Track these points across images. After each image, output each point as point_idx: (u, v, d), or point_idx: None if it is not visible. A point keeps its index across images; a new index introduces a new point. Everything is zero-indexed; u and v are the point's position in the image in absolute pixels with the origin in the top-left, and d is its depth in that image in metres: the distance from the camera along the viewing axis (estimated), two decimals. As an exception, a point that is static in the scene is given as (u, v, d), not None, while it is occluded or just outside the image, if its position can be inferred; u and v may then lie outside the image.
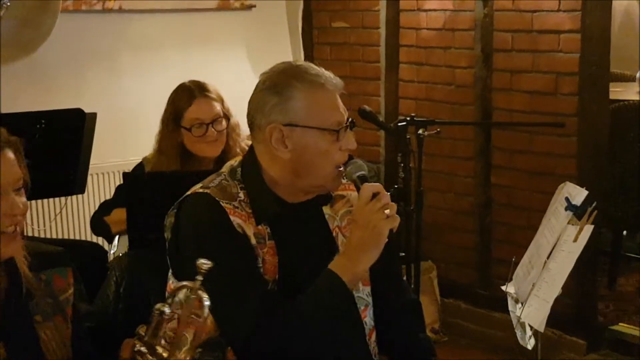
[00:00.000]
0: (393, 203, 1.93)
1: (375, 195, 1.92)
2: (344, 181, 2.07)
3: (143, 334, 1.64)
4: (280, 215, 2.00)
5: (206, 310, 1.64)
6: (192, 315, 1.65)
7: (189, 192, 2.03)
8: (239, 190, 2.00)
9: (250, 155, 2.06)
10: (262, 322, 1.88)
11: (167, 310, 1.63)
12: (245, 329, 1.88)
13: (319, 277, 1.93)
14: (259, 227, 1.98)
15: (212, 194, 1.98)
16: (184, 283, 1.66)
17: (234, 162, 2.10)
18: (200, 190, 2.00)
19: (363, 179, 1.99)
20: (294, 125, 1.96)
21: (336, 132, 1.98)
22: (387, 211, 1.90)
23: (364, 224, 1.91)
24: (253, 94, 2.04)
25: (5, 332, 1.72)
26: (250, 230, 1.96)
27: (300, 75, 1.98)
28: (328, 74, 2.02)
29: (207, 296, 1.64)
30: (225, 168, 2.08)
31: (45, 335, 1.77)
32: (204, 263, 1.64)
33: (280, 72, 2.02)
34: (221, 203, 1.96)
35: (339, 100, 2.02)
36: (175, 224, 2.01)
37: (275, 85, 1.99)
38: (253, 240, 1.96)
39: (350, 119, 2.02)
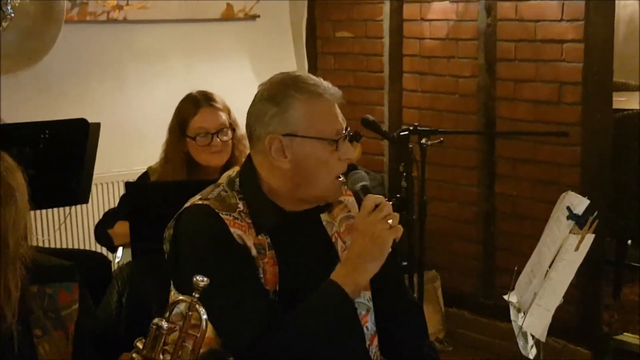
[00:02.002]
0: (395, 213, 1.94)
1: (377, 206, 1.92)
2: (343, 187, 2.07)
3: (141, 347, 1.64)
4: (280, 225, 2.00)
5: (204, 324, 1.65)
6: (190, 330, 1.65)
7: (187, 204, 2.03)
8: (238, 201, 1.99)
9: (248, 165, 2.06)
10: (264, 332, 1.88)
11: (164, 324, 1.63)
12: (246, 340, 1.88)
13: (320, 287, 1.93)
14: (259, 237, 1.97)
15: (212, 206, 1.97)
16: (181, 297, 1.66)
17: (231, 172, 2.09)
18: (199, 202, 2.00)
19: (365, 190, 2.00)
20: (293, 136, 1.96)
21: (335, 141, 1.98)
22: (390, 221, 1.91)
23: (367, 234, 1.91)
24: (252, 105, 2.04)
25: (3, 346, 1.71)
26: (250, 241, 1.96)
27: (298, 86, 1.98)
28: (326, 83, 2.02)
29: (204, 310, 1.65)
30: (223, 179, 2.08)
31: (44, 350, 1.75)
32: (201, 280, 1.64)
33: (278, 83, 2.02)
34: (221, 215, 1.95)
35: (338, 110, 2.02)
36: (174, 236, 2.01)
37: (274, 95, 1.99)
38: (254, 251, 1.96)
39: (349, 129, 2.02)
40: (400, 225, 1.94)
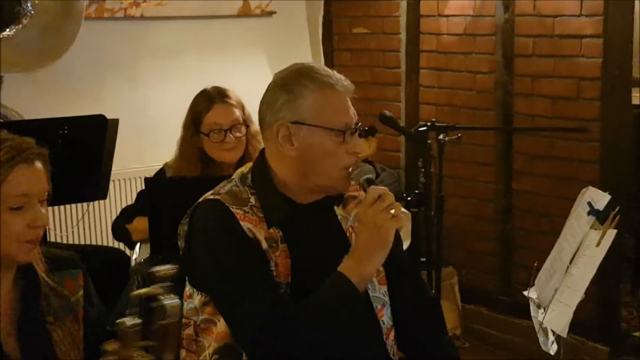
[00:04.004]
0: (398, 203, 1.95)
1: (380, 197, 1.94)
2: (354, 183, 2.08)
3: (117, 348, 1.67)
4: (291, 218, 2.01)
5: (176, 317, 1.68)
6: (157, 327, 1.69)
7: (200, 200, 2.05)
8: (250, 196, 2.02)
9: (260, 160, 2.08)
10: (272, 325, 1.89)
11: (129, 323, 1.66)
12: (255, 332, 1.90)
13: (327, 279, 1.94)
14: (271, 230, 1.99)
15: (223, 200, 1.99)
16: (141, 291, 1.70)
17: (244, 168, 2.11)
18: (211, 197, 2.02)
19: (370, 182, 2.02)
20: (301, 124, 1.98)
21: (342, 132, 1.99)
22: (392, 211, 1.92)
23: (370, 225, 1.93)
24: (265, 93, 2.07)
25: (20, 332, 1.78)
26: (261, 235, 1.97)
27: (311, 75, 2.00)
28: (339, 76, 2.03)
29: (169, 302, 1.69)
30: (236, 175, 2.10)
31: (58, 335, 1.81)
32: (158, 271, 1.68)
33: (292, 72, 2.05)
34: (231, 209, 1.97)
35: (349, 103, 2.03)
36: (188, 231, 2.03)
37: (286, 83, 2.01)
38: (264, 245, 1.97)
39: (360, 124, 2.03)
40: (402, 215, 1.96)
